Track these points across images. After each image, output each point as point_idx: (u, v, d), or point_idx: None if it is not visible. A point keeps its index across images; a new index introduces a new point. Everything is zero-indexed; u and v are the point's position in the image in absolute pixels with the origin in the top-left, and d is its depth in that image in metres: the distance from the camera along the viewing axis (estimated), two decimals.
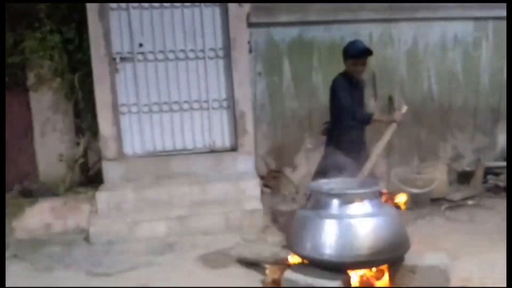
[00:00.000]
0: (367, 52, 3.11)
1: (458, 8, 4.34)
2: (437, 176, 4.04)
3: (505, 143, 4.57)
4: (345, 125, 3.12)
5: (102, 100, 3.92)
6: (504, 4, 4.27)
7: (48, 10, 3.96)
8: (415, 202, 3.91)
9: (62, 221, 3.68)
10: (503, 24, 4.41)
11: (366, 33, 4.32)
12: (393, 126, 2.88)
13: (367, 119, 3.11)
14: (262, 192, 3.97)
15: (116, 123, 3.99)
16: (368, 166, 2.75)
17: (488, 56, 4.50)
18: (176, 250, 3.25)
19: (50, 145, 4.12)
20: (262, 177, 4.16)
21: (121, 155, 4.01)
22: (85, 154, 4.16)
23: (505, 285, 2.28)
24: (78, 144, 4.12)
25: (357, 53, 3.09)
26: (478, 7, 4.37)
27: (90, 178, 4.19)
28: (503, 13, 4.35)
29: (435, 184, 3.98)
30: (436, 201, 3.99)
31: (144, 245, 3.33)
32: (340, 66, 4.53)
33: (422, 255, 2.47)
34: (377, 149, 2.84)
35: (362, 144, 3.18)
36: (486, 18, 4.44)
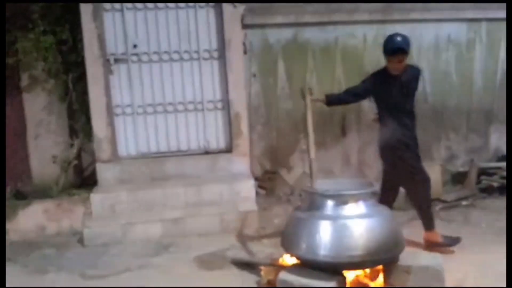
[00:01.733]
0: (399, 51, 2.91)
1: (452, 9, 4.38)
2: (431, 177, 4.04)
3: (498, 143, 4.61)
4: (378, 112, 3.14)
5: (96, 101, 3.90)
6: (497, 6, 4.32)
7: (41, 11, 3.93)
8: (409, 203, 3.93)
9: (56, 223, 3.66)
10: (496, 25, 4.46)
11: (361, 34, 4.35)
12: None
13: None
14: (257, 193, 3.97)
15: (110, 124, 3.97)
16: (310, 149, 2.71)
17: (481, 57, 4.54)
18: (171, 251, 3.24)
19: (44, 146, 4.09)
20: (257, 178, 4.16)
21: (115, 157, 3.99)
22: (79, 156, 4.14)
23: (501, 285, 2.29)
24: (72, 145, 4.10)
25: (388, 51, 2.95)
26: (471, 8, 4.41)
27: (84, 180, 4.17)
28: (496, 14, 4.40)
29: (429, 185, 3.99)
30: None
31: (139, 247, 3.31)
32: (333, 67, 4.55)
33: (417, 255, 2.48)
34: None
35: (397, 131, 3.00)
36: (479, 20, 4.47)
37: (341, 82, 4.36)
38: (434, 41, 4.45)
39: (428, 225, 3.02)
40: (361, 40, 4.35)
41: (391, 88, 3.01)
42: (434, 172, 4.15)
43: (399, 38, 2.95)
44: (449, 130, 4.58)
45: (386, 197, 3.13)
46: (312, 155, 2.69)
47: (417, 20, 4.37)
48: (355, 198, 2.38)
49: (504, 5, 4.32)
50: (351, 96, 3.15)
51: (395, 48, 2.91)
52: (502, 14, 4.39)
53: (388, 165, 3.12)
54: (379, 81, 3.05)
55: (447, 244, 2.94)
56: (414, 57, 4.45)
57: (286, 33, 4.25)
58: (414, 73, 3.10)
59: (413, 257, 2.43)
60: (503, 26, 4.43)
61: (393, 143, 2.98)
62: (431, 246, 2.96)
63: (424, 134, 4.55)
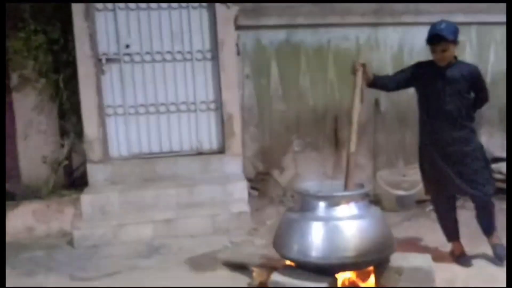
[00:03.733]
0: (438, 38, 2.55)
1: (443, 13, 4.41)
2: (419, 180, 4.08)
3: (487, 145, 4.64)
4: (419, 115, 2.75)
5: (87, 101, 3.86)
6: (487, 10, 4.39)
7: (32, 10, 3.89)
8: (400, 204, 3.96)
9: (45, 224, 3.61)
10: (486, 29, 4.53)
11: (353, 36, 4.37)
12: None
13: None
14: (250, 195, 3.96)
15: (102, 124, 3.94)
16: (352, 138, 2.44)
17: (471, 60, 4.56)
18: (162, 253, 3.21)
19: (33, 147, 4.04)
20: (249, 180, 4.15)
21: (106, 157, 3.96)
22: (69, 156, 4.09)
23: (490, 285, 2.32)
24: (62, 146, 4.05)
25: (427, 39, 2.61)
26: (462, 12, 4.46)
27: (74, 180, 4.13)
28: (486, 19, 4.46)
29: (420, 186, 4.02)
30: (421, 203, 4.03)
31: (130, 248, 3.28)
32: (326, 69, 4.56)
33: (407, 256, 2.49)
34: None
35: (439, 140, 2.65)
36: (469, 24, 4.53)
37: (333, 84, 4.39)
38: (425, 44, 4.47)
39: (446, 237, 2.90)
40: (354, 43, 4.38)
41: (435, 81, 2.62)
42: None
43: (441, 25, 2.58)
44: None
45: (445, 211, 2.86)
46: (352, 148, 2.43)
47: (409, 23, 4.41)
48: (347, 199, 2.39)
49: (494, 9, 4.40)
50: (392, 82, 2.80)
51: (433, 35, 2.56)
52: (492, 18, 4.46)
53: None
54: (423, 70, 2.70)
55: (456, 261, 2.80)
56: (406, 60, 4.51)
57: (279, 35, 4.26)
58: (466, 71, 2.65)
59: (404, 258, 2.44)
60: (492, 29, 4.50)
61: (427, 157, 2.70)
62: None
63: (415, 136, 4.60)
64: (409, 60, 4.48)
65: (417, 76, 2.73)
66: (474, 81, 2.68)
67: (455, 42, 2.59)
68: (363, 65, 2.62)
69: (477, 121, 4.60)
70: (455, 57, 2.69)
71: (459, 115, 2.64)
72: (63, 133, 4.10)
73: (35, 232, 3.58)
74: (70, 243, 3.39)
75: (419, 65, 2.77)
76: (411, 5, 4.40)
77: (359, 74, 2.58)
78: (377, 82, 2.79)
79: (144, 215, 3.54)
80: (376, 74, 2.82)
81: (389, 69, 4.49)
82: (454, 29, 2.59)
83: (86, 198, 3.59)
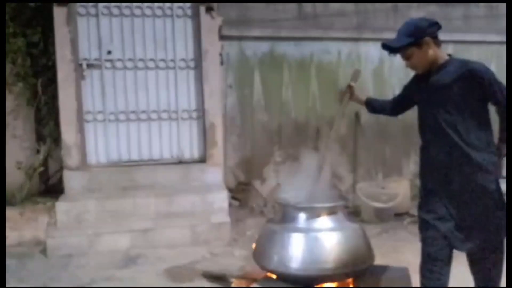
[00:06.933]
0: (386, 49, 2.16)
1: None
2: (401, 191, 4.16)
3: None
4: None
5: (66, 106, 3.78)
6: (464, 29, 4.58)
7: (12, 12, 3.81)
8: (379, 216, 4.01)
9: (18, 232, 3.49)
10: (463, 47, 4.69)
11: (335, 50, 4.47)
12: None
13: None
14: (230, 205, 3.94)
15: (80, 131, 3.86)
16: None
17: None
18: (139, 263, 3.15)
19: (8, 152, 3.90)
20: (230, 190, 4.13)
21: (84, 164, 3.87)
22: (45, 162, 3.98)
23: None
24: (38, 151, 3.94)
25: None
26: (440, 32, 4.62)
27: (50, 187, 4.02)
28: (462, 37, 4.64)
29: (398, 199, 4.10)
30: (399, 215, 4.10)
31: (106, 258, 3.20)
32: (308, 82, 4.63)
33: (386, 268, 2.52)
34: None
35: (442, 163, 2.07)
36: (447, 42, 4.67)
37: (315, 97, 4.45)
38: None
39: None
40: (336, 56, 4.47)
41: (420, 90, 2.08)
42: (403, 187, 4.28)
43: (399, 31, 2.10)
44: (418, 146, 4.73)
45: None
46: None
47: (388, 40, 4.52)
48: (328, 211, 2.40)
49: (471, 28, 4.59)
50: (390, 102, 2.40)
51: (382, 44, 2.12)
52: (469, 37, 4.64)
53: None
54: (414, 83, 2.19)
55: None
56: (386, 75, 4.62)
57: (263, 46, 4.31)
58: (459, 71, 1.94)
59: (382, 270, 2.47)
60: (469, 48, 4.68)
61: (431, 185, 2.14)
62: None
63: (394, 150, 4.71)
64: (389, 75, 4.62)
65: (411, 87, 2.25)
66: (478, 83, 1.91)
67: (417, 44, 2.01)
68: (350, 88, 2.45)
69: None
70: (449, 55, 2.08)
71: (450, 133, 1.98)
72: (39, 138, 3.99)
73: (7, 240, 3.45)
74: (43, 252, 3.28)
75: (414, 76, 2.23)
76: (391, 22, 4.54)
77: (346, 99, 2.42)
78: (375, 106, 2.48)
79: (121, 225, 3.46)
80: (370, 97, 2.51)
81: (369, 84, 4.60)
82: (410, 31, 2.04)
83: (62, 206, 3.50)
